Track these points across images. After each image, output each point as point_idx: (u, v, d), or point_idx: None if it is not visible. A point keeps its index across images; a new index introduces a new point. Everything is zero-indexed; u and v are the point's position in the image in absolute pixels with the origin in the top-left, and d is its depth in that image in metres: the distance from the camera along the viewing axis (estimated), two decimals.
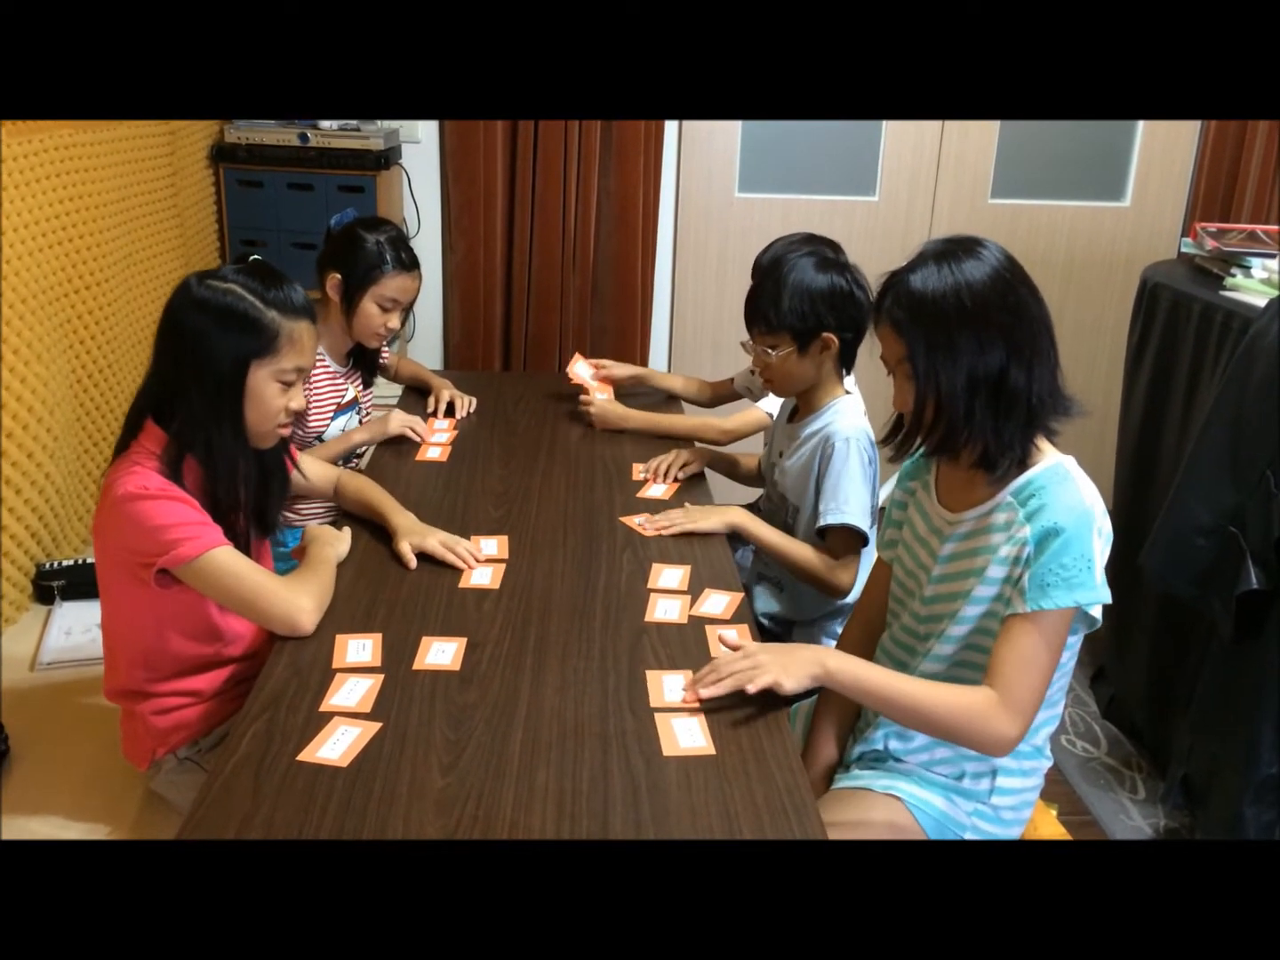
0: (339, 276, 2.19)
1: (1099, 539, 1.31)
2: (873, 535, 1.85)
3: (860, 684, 1.36)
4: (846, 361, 1.89)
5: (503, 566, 1.73)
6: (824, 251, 1.84)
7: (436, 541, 1.72)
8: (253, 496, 1.64)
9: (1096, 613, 1.33)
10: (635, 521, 1.90)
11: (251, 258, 1.56)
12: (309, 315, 1.54)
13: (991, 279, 1.32)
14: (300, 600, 1.50)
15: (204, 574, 1.45)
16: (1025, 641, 1.32)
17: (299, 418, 1.65)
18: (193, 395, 1.46)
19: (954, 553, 1.45)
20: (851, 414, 1.87)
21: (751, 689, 1.34)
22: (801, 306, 1.79)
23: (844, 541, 1.83)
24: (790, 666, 1.35)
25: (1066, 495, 1.32)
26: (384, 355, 2.47)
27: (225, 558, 1.46)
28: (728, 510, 1.90)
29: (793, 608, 1.97)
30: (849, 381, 1.96)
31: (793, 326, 1.81)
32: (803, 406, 1.95)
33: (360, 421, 2.37)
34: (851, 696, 1.40)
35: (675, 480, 2.07)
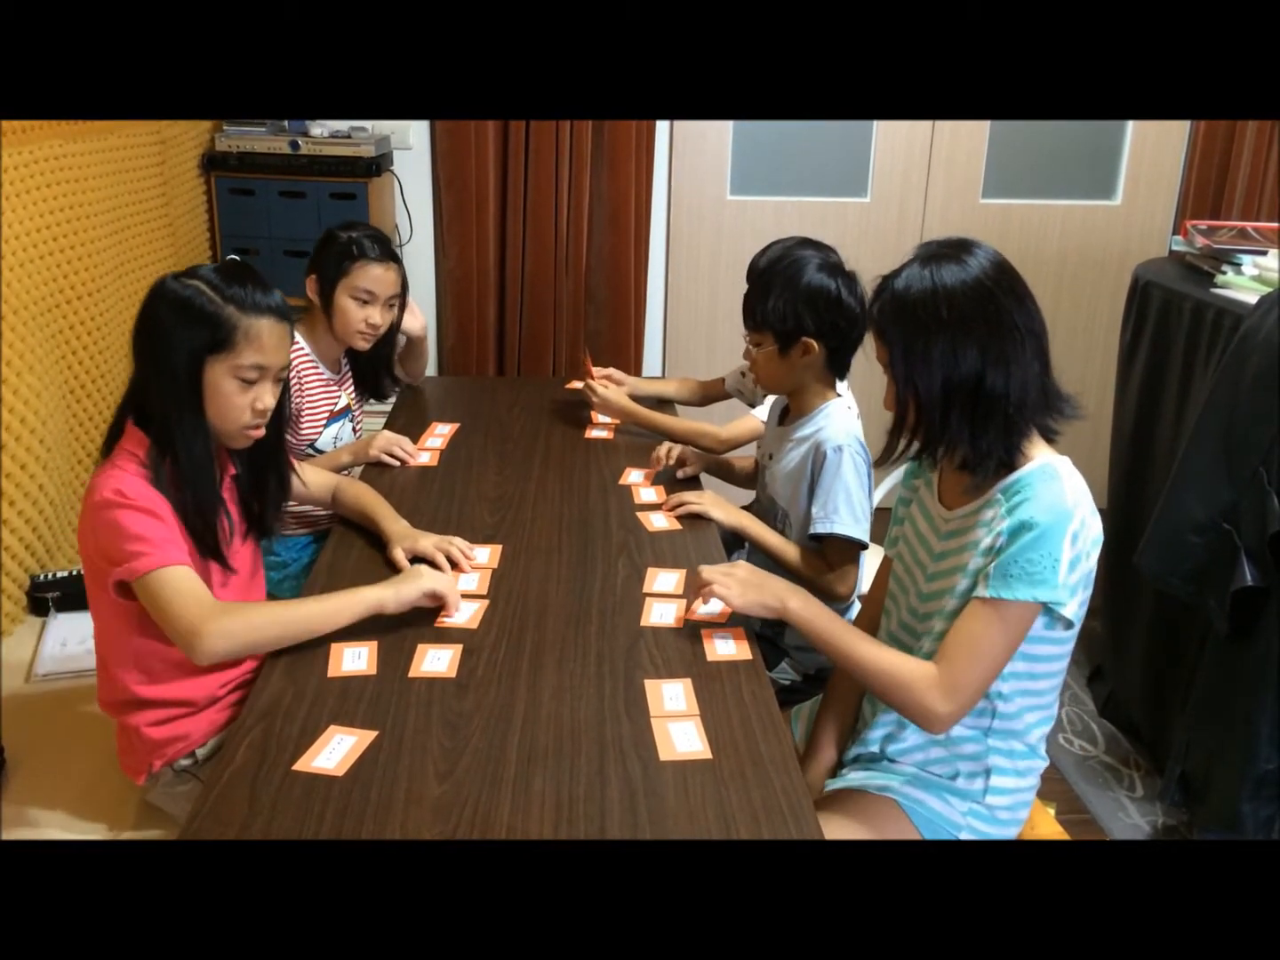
0: (315, 276, 2.20)
1: (1073, 542, 1.31)
2: (870, 537, 1.85)
3: (815, 631, 1.45)
4: (837, 367, 1.88)
5: (490, 573, 1.73)
6: (826, 256, 1.84)
7: (430, 544, 1.72)
8: (246, 498, 1.63)
9: (1068, 613, 1.33)
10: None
11: (229, 258, 1.55)
12: (275, 314, 1.50)
13: (971, 287, 1.32)
14: (208, 626, 1.39)
15: (149, 591, 1.42)
16: (977, 625, 1.34)
17: (290, 424, 1.63)
18: (156, 392, 1.47)
19: (945, 550, 1.46)
20: (842, 419, 1.86)
21: (702, 600, 1.54)
22: (785, 309, 1.80)
23: (841, 550, 1.84)
24: (749, 593, 1.49)
25: (1049, 493, 1.33)
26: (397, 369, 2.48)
27: (169, 577, 1.41)
28: (740, 512, 1.92)
29: None
30: (842, 387, 1.96)
31: (774, 327, 1.83)
32: (793, 408, 1.95)
33: (353, 429, 2.37)
34: (807, 638, 1.48)
35: (674, 478, 2.09)
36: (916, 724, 1.41)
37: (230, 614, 1.44)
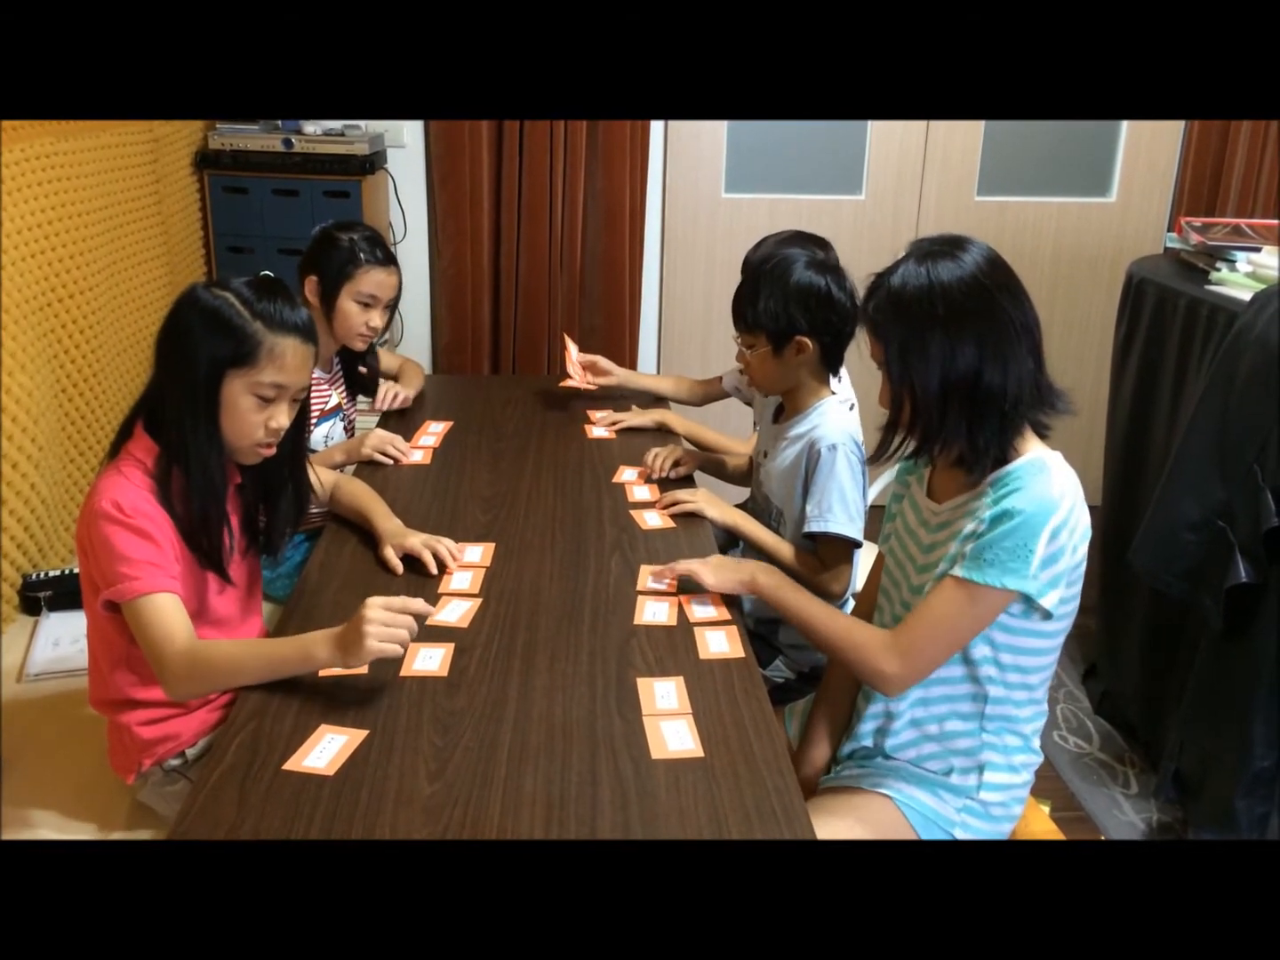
0: (315, 278, 2.19)
1: (1052, 536, 1.31)
2: (865, 535, 1.85)
3: (779, 601, 1.55)
4: (831, 364, 1.88)
5: (483, 571, 1.72)
6: (812, 252, 1.83)
7: (418, 541, 1.72)
8: (250, 511, 1.62)
9: (1047, 603, 1.33)
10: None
11: (262, 273, 1.54)
12: (301, 334, 1.49)
13: (966, 283, 1.33)
14: (167, 673, 1.40)
15: (132, 615, 1.42)
16: (943, 601, 1.36)
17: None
18: (173, 398, 1.46)
19: (934, 542, 1.46)
20: (836, 417, 1.86)
21: (673, 571, 1.65)
22: (776, 308, 1.79)
23: (835, 548, 1.84)
24: (721, 571, 1.62)
25: (1036, 485, 1.33)
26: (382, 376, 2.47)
27: (152, 607, 1.40)
28: (734, 510, 1.91)
29: None
30: (841, 383, 1.96)
31: (767, 328, 1.82)
32: (788, 407, 1.94)
33: (344, 429, 2.36)
34: (774, 609, 1.58)
35: (668, 478, 2.07)
36: (869, 686, 1.48)
37: (192, 668, 1.40)
